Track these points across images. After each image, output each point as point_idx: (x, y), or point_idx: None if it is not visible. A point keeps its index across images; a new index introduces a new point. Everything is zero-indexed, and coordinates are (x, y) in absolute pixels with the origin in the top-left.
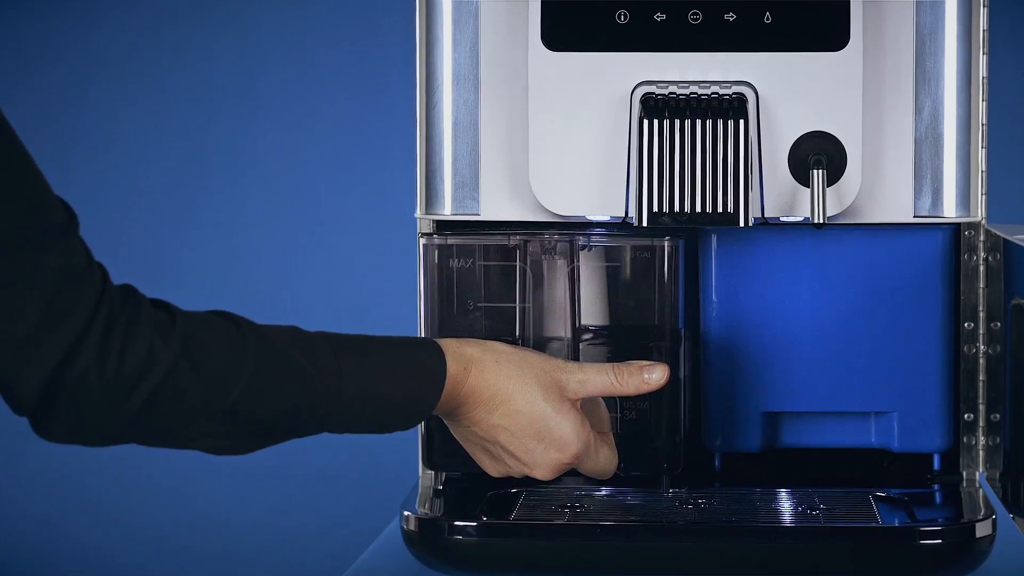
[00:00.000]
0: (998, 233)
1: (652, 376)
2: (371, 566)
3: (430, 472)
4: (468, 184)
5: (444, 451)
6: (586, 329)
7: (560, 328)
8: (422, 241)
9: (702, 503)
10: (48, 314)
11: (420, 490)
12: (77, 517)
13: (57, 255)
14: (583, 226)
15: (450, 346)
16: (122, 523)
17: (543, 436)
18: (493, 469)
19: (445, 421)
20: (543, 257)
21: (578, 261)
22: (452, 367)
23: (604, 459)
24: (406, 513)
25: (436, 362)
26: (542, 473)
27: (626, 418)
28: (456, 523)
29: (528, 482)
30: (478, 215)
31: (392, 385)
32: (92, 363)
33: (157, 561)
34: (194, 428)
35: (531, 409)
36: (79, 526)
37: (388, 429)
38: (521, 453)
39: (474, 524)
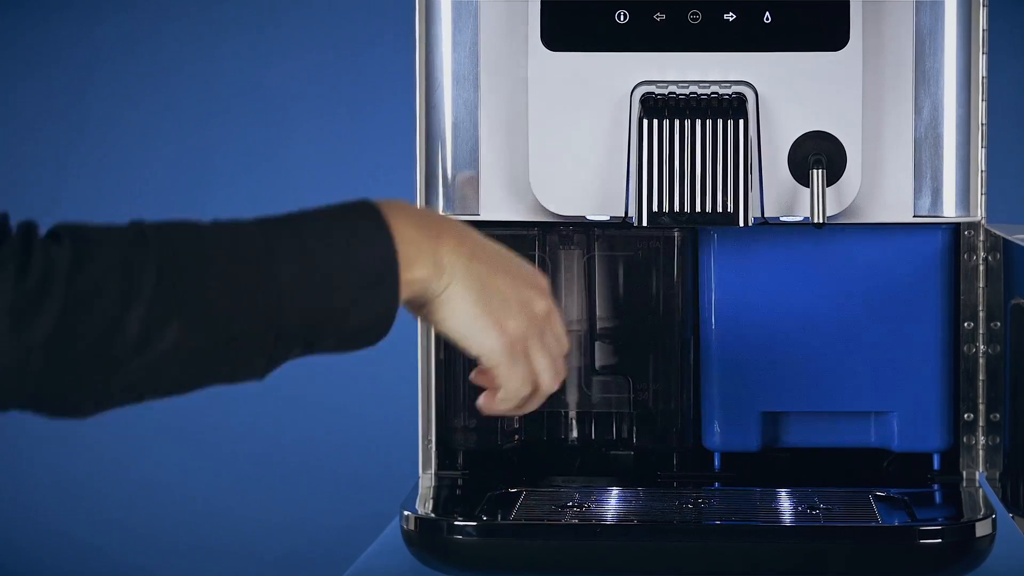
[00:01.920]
0: (998, 233)
1: None
2: (371, 566)
3: (430, 471)
4: (468, 184)
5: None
6: (600, 317)
7: (576, 315)
8: None
9: (702, 503)
10: None
11: (420, 490)
12: (77, 517)
13: None
14: (583, 226)
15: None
16: (122, 523)
17: (511, 271)
18: (498, 341)
19: (430, 319)
20: (560, 248)
21: (594, 251)
22: (402, 233)
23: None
24: (406, 513)
25: (377, 226)
26: (540, 306)
27: (639, 398)
28: (456, 523)
29: (528, 482)
30: (478, 215)
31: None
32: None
33: (157, 561)
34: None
35: (493, 244)
36: (79, 526)
37: (362, 325)
38: (509, 291)
39: (474, 524)
